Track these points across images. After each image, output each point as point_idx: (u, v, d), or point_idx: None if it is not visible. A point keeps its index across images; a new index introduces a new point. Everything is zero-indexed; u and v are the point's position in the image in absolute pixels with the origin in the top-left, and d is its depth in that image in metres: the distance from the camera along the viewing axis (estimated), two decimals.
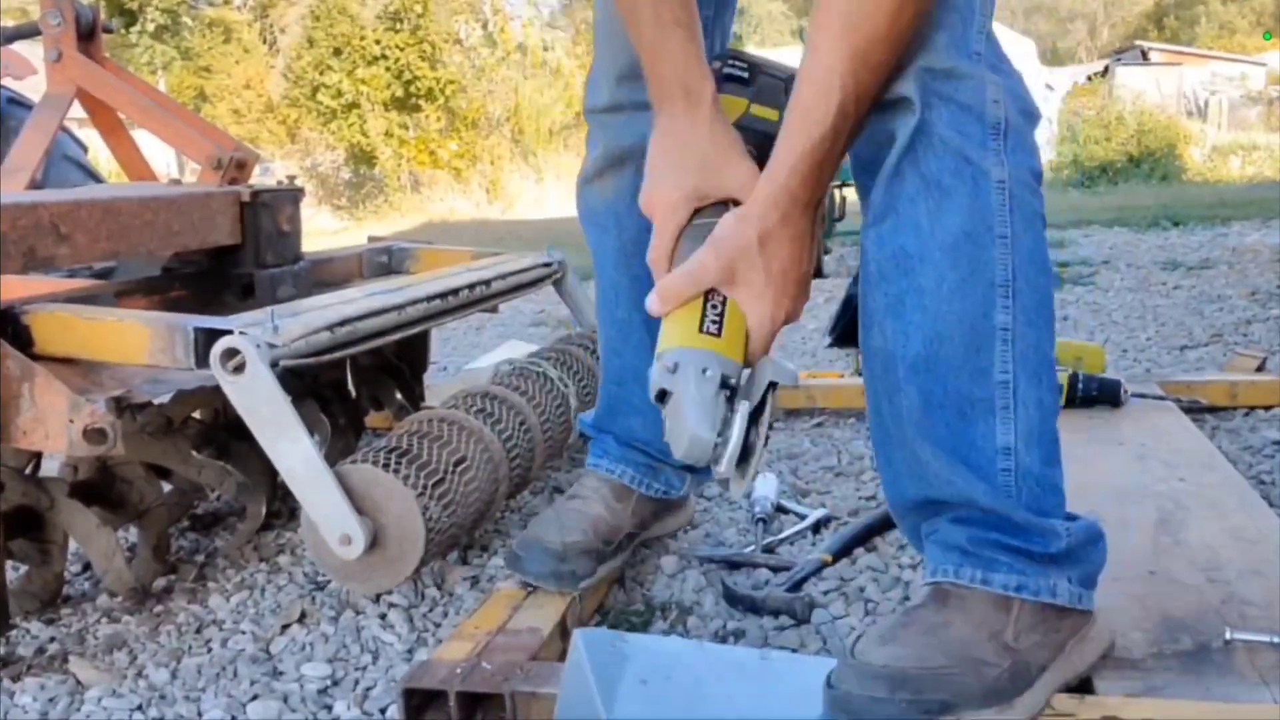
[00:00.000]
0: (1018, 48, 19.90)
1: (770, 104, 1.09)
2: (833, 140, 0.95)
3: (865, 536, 1.56)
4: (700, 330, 0.96)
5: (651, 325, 1.05)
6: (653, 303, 0.99)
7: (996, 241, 0.99)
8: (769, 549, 1.57)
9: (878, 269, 1.03)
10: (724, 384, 0.93)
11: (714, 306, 0.97)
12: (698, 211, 1.03)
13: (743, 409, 0.93)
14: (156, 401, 1.51)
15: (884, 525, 1.57)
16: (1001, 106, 1.00)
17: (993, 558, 1.01)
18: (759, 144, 1.05)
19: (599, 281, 1.45)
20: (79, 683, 1.30)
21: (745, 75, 1.10)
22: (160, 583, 1.56)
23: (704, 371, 0.93)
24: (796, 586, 1.43)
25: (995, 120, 0.99)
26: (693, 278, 0.97)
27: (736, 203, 1.01)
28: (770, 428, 0.96)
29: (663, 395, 0.94)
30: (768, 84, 1.11)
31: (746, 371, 0.97)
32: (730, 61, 1.11)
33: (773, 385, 0.95)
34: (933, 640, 0.97)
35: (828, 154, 0.95)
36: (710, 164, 1.03)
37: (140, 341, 1.27)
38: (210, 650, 1.37)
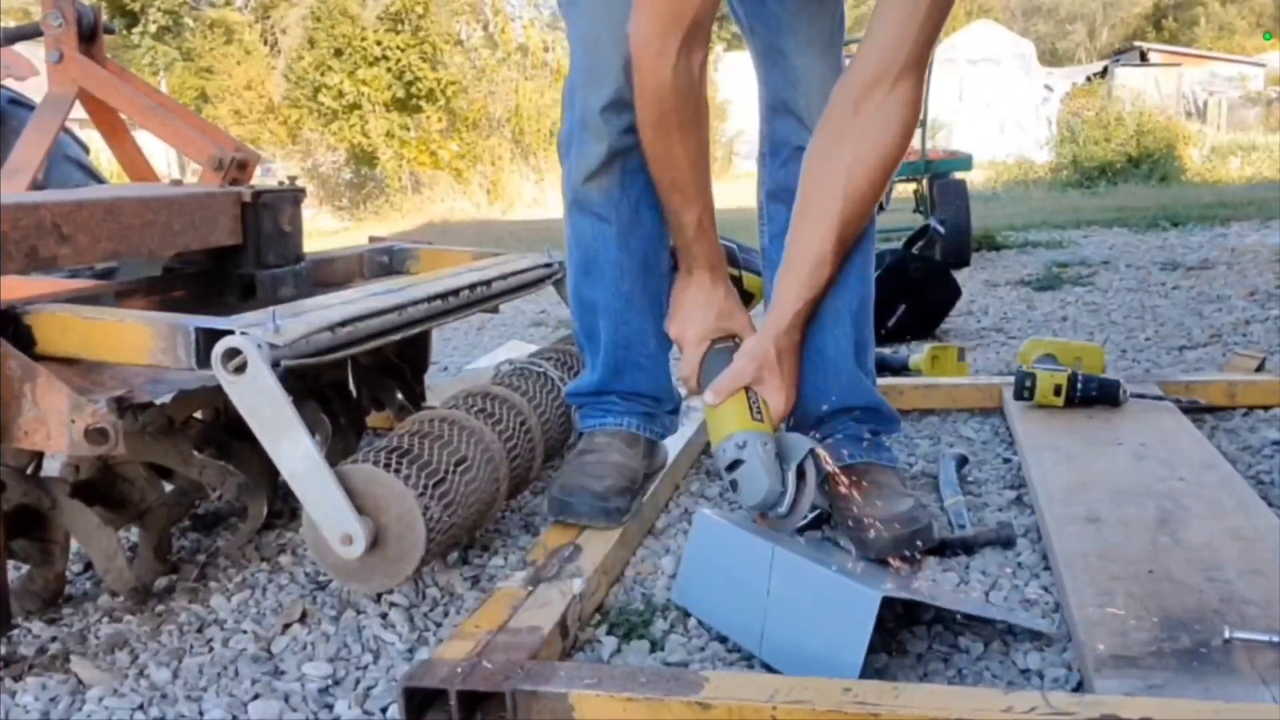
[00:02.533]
0: (1017, 49, 19.96)
1: (754, 272, 1.75)
2: (820, 296, 1.44)
3: None
4: (752, 417, 1.39)
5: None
6: (709, 397, 1.43)
7: None
8: None
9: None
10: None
11: (754, 400, 1.41)
12: (713, 343, 1.52)
13: (798, 468, 1.35)
14: (158, 401, 1.51)
15: None
16: None
17: (886, 446, 1.61)
18: (744, 298, 1.64)
19: (597, 266, 1.60)
20: (80, 682, 1.30)
21: (737, 256, 1.72)
22: (161, 582, 1.56)
23: (764, 444, 1.36)
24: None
25: None
26: (736, 379, 1.42)
27: (736, 337, 1.52)
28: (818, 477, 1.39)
29: (734, 464, 1.36)
30: (749, 262, 1.78)
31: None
32: (727, 245, 1.67)
33: (811, 451, 1.37)
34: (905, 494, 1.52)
35: (815, 305, 1.45)
36: (724, 313, 1.54)
37: (142, 341, 1.27)
38: (211, 650, 1.37)
